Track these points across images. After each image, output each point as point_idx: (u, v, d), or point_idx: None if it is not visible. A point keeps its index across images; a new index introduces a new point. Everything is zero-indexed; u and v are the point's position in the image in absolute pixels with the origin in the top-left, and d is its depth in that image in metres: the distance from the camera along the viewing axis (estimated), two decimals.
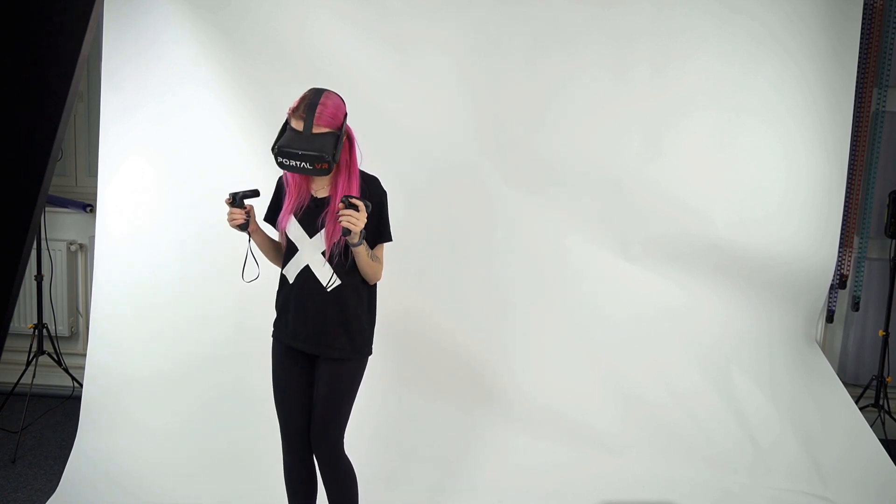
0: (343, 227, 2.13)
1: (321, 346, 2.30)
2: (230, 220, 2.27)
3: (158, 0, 3.11)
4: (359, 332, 2.33)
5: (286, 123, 2.19)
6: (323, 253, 2.26)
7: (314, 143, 2.11)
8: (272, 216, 2.40)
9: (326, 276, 2.25)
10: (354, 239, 2.16)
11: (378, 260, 2.33)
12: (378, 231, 2.31)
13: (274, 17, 3.15)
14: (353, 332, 2.32)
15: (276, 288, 2.40)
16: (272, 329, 2.41)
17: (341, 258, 2.25)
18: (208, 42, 3.12)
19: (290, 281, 2.32)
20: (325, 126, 2.14)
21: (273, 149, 2.13)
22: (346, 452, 2.38)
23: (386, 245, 2.39)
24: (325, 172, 2.14)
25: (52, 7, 1.04)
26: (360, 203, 2.13)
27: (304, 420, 2.37)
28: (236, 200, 2.26)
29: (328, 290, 2.26)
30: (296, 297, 2.31)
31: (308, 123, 2.12)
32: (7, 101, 1.04)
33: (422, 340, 3.27)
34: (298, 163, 2.11)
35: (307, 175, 2.23)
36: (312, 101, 2.15)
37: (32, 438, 3.45)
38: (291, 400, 2.36)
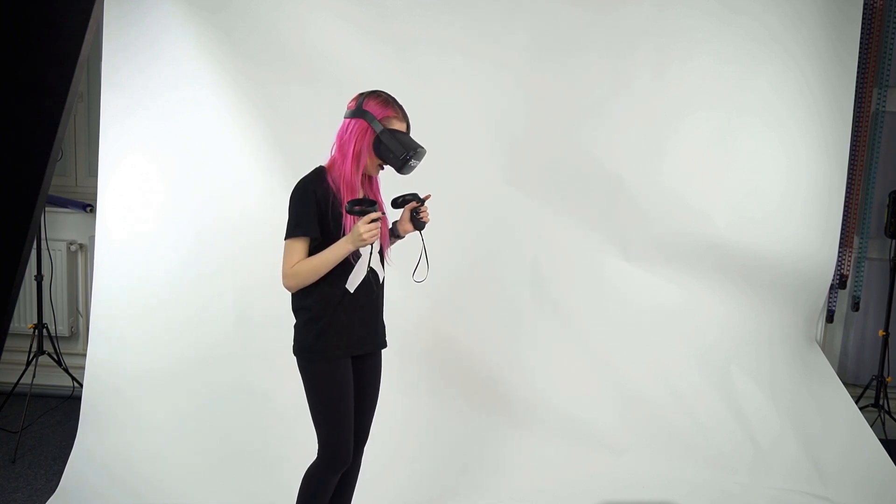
0: (422, 223, 2.25)
1: (380, 339, 2.29)
2: (375, 234, 2.01)
3: (158, 0, 3.11)
4: None
5: (385, 131, 2.07)
6: (380, 252, 2.23)
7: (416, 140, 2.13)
8: (323, 230, 2.09)
9: (382, 271, 2.24)
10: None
11: None
12: None
13: (274, 17, 3.15)
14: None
15: (323, 306, 2.11)
16: (313, 354, 2.12)
17: (383, 250, 2.26)
18: (208, 42, 3.12)
19: (353, 290, 2.12)
20: None
21: (403, 155, 2.05)
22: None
23: None
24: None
25: (52, 7, 1.04)
26: (426, 197, 2.26)
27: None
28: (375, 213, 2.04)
29: (383, 284, 2.26)
30: (361, 303, 2.15)
31: (408, 123, 2.16)
32: (7, 101, 1.04)
33: (423, 340, 3.27)
34: (418, 162, 2.13)
35: (404, 174, 2.15)
36: (396, 101, 2.16)
37: (32, 438, 3.45)
38: (351, 417, 2.17)
